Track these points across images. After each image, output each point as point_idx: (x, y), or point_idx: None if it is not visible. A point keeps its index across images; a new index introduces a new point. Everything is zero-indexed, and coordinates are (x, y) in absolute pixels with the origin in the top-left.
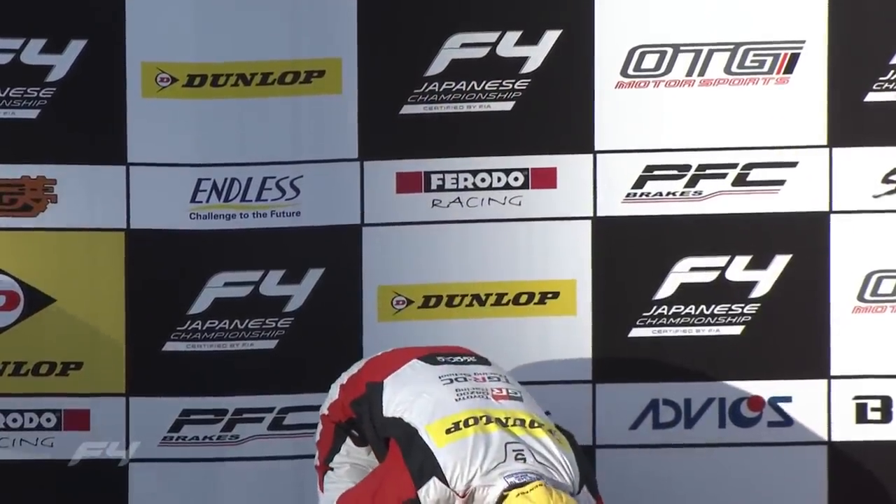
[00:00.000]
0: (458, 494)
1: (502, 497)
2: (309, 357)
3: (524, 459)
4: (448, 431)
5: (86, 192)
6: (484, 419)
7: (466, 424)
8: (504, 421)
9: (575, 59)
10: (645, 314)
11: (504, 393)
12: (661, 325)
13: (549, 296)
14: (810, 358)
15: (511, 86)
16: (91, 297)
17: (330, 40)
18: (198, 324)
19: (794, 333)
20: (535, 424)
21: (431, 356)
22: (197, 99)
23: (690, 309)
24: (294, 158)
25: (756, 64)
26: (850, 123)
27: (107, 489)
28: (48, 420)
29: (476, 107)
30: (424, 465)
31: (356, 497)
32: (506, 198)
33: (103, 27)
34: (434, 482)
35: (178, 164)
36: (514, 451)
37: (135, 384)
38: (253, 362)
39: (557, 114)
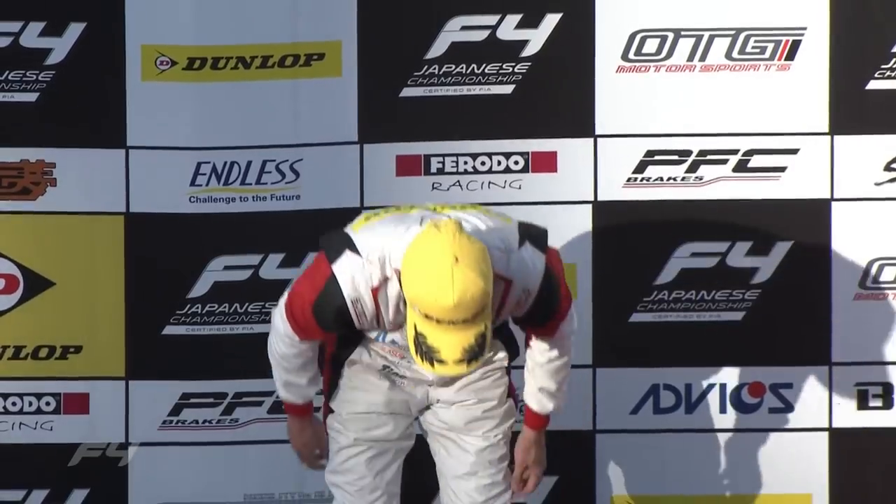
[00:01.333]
0: (370, 263)
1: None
2: None
3: None
4: (367, 219)
5: (85, 175)
6: (408, 208)
7: (387, 212)
8: (431, 209)
9: (575, 42)
10: (645, 299)
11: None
12: (662, 310)
13: None
14: (811, 344)
15: (511, 69)
16: (90, 281)
17: (330, 23)
18: (197, 307)
19: (795, 320)
20: (468, 207)
21: None
22: (197, 82)
23: (691, 294)
24: (294, 142)
25: (757, 50)
26: (852, 111)
27: (107, 472)
28: (47, 404)
29: (476, 90)
30: (339, 245)
31: (289, 297)
32: (506, 181)
33: (103, 10)
34: (346, 254)
35: (177, 147)
36: (431, 220)
37: (134, 368)
38: (253, 346)
39: (558, 97)
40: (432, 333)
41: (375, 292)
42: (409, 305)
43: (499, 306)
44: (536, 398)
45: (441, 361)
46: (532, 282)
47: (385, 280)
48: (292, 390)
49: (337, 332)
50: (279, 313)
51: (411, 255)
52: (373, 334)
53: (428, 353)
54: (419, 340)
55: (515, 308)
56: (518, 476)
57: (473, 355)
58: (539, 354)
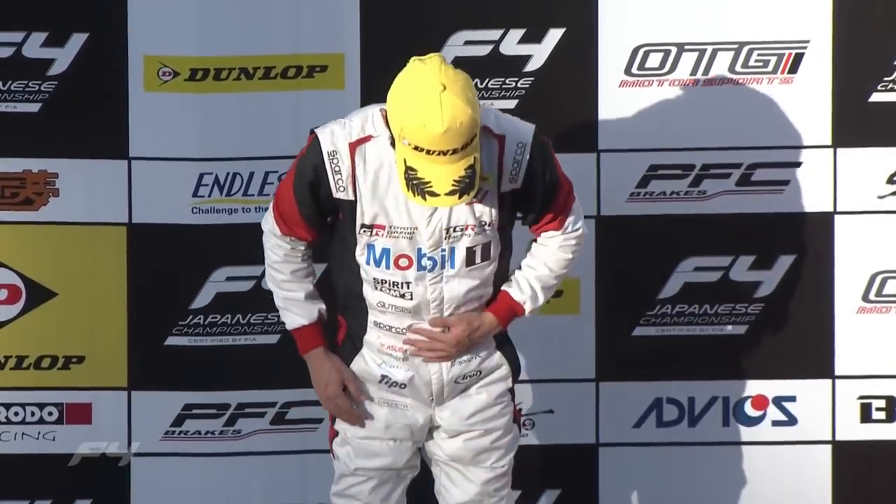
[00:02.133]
0: (352, 122)
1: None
2: None
3: None
4: None
5: (87, 186)
6: None
7: None
8: None
9: (578, 57)
10: (649, 313)
11: None
12: (665, 324)
13: (553, 294)
14: (815, 358)
15: (514, 84)
16: (93, 292)
17: (333, 35)
18: (200, 318)
19: (798, 333)
20: None
21: None
22: (199, 93)
23: (694, 308)
24: (296, 153)
25: (760, 63)
26: (855, 124)
27: (109, 483)
28: (50, 414)
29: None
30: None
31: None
32: None
33: (105, 20)
34: (331, 122)
35: (179, 158)
36: (415, 57)
37: (136, 378)
38: (255, 357)
39: (561, 112)
40: (423, 166)
41: (353, 147)
42: (397, 140)
43: (498, 169)
44: (516, 280)
45: (433, 194)
46: (524, 135)
47: (366, 138)
48: (293, 308)
49: (317, 223)
50: (268, 209)
51: (398, 87)
52: (360, 255)
53: (419, 187)
54: (409, 175)
55: (513, 173)
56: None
57: (464, 188)
58: (547, 239)
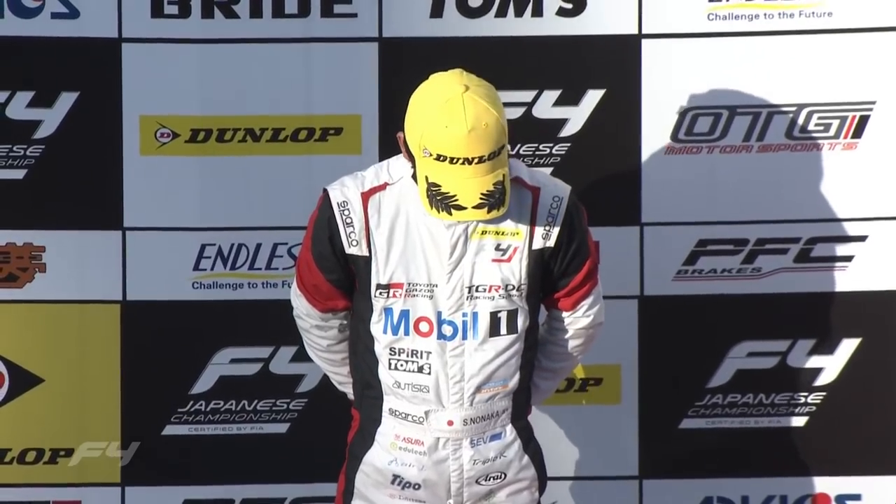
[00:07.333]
0: (364, 174)
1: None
2: (324, 442)
3: None
4: None
5: (77, 259)
6: None
7: None
8: None
9: (620, 121)
10: (697, 403)
11: None
12: (716, 415)
13: (591, 382)
14: (882, 453)
15: (549, 150)
16: (83, 377)
17: (348, 95)
18: (201, 405)
19: (864, 425)
20: None
21: None
22: (201, 156)
23: (748, 398)
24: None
25: (821, 127)
26: None
27: None
28: None
29: None
30: None
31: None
32: None
33: (97, 78)
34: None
35: (179, 228)
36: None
37: (131, 472)
38: (262, 447)
39: (600, 181)
40: (447, 179)
41: (366, 197)
42: (417, 156)
43: (530, 224)
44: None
45: (459, 207)
46: (561, 190)
47: (381, 187)
48: (349, 387)
49: (338, 279)
50: (293, 288)
51: (416, 96)
52: (376, 324)
53: (444, 202)
54: (433, 192)
55: (547, 228)
56: None
57: (493, 203)
58: (552, 322)
